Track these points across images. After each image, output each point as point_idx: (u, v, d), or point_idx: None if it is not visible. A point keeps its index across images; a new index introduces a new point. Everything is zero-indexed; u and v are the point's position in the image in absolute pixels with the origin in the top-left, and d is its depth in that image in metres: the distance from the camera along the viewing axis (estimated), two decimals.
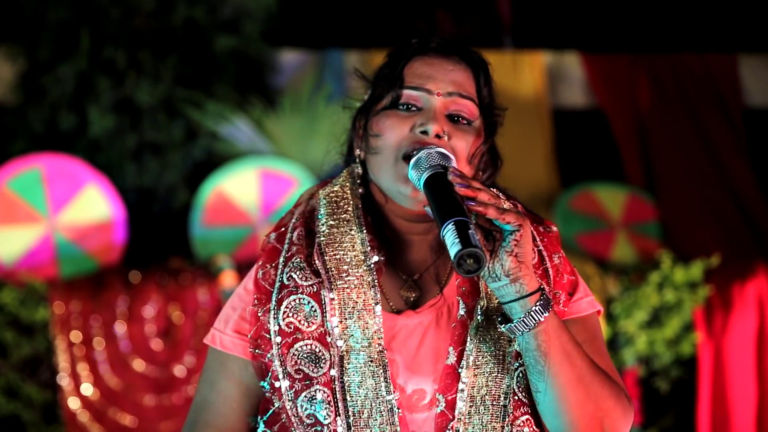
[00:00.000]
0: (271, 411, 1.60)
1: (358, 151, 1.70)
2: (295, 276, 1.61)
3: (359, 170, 1.70)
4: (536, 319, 1.50)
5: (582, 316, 1.66)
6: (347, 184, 1.69)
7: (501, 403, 1.56)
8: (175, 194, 4.83)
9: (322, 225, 1.65)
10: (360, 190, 1.69)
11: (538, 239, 1.66)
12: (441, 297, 1.63)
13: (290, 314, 1.59)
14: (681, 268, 4.35)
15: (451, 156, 1.58)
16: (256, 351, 1.61)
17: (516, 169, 5.26)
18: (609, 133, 5.45)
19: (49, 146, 4.69)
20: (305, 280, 1.60)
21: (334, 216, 1.66)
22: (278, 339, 1.59)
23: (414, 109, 1.63)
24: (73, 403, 4.03)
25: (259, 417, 1.62)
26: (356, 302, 1.58)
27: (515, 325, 1.51)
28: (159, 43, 4.83)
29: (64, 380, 4.04)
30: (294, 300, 1.60)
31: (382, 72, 1.69)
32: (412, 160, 1.56)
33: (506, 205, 1.53)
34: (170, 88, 4.80)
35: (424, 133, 1.60)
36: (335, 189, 1.69)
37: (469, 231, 1.44)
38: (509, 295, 1.50)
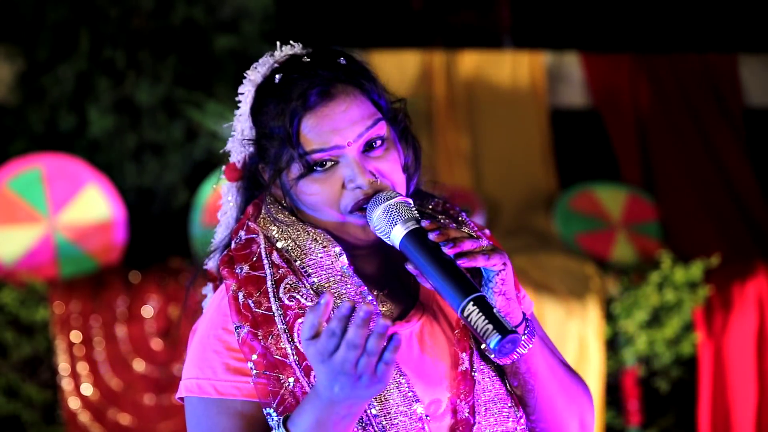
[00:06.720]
0: None
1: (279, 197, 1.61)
2: (297, 296, 1.52)
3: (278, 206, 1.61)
4: (527, 346, 1.53)
5: (531, 313, 1.65)
6: (270, 206, 1.61)
7: (510, 404, 1.57)
8: (175, 194, 4.83)
9: (278, 243, 1.58)
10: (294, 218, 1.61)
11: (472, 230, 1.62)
12: (420, 305, 1.60)
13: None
14: (681, 268, 4.35)
15: (408, 201, 1.53)
16: (265, 372, 1.50)
17: (515, 169, 5.26)
18: (608, 134, 5.44)
19: (49, 146, 4.68)
20: (309, 300, 1.52)
21: (281, 232, 1.59)
22: (297, 362, 1.49)
23: (331, 164, 1.54)
24: (73, 403, 4.03)
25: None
26: (357, 315, 1.46)
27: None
28: (158, 43, 4.83)
29: (64, 380, 4.04)
30: (302, 322, 1.45)
31: (271, 129, 1.57)
32: (375, 216, 1.51)
33: (484, 242, 1.50)
34: (170, 88, 4.80)
35: (359, 188, 1.53)
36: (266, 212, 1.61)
37: (494, 310, 1.44)
38: None
